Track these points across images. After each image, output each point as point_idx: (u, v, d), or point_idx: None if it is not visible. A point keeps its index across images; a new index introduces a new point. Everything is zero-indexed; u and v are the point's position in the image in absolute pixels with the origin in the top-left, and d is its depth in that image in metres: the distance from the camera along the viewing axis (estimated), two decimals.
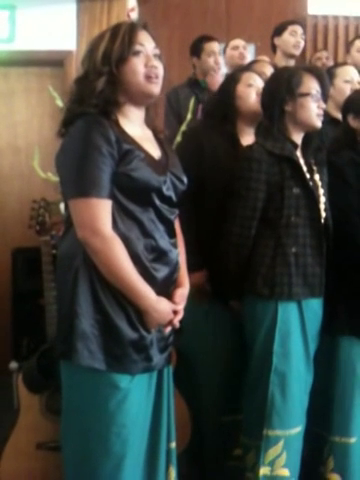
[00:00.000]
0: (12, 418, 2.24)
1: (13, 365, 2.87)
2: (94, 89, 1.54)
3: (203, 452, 2.37)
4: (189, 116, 2.97)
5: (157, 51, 1.62)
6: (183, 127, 2.92)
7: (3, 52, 3.65)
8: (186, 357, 2.36)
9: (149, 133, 1.70)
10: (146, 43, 1.59)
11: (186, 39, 4.64)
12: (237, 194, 1.99)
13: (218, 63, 3.46)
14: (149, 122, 1.71)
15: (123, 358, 1.54)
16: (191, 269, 2.30)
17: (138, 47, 1.57)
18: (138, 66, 1.57)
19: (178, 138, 2.88)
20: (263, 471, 2.01)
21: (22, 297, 3.37)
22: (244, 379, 2.13)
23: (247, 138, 2.25)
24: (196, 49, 3.54)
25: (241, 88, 2.25)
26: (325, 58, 4.00)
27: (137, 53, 1.57)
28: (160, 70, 1.61)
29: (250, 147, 2.03)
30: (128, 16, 3.47)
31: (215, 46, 3.49)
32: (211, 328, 2.28)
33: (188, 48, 4.62)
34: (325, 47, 4.60)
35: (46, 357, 2.22)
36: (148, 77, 1.58)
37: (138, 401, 1.58)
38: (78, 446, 1.57)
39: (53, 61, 3.62)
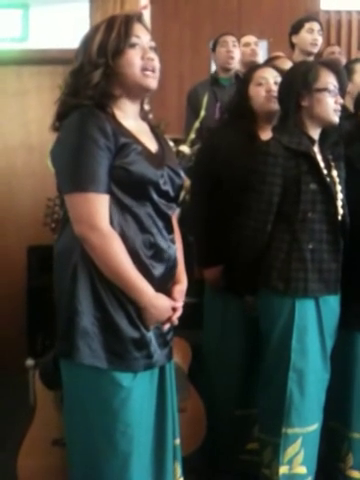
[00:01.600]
0: (28, 414, 2.25)
1: (30, 362, 2.89)
2: (90, 81, 1.51)
3: (216, 446, 2.38)
4: (203, 113, 2.97)
5: (153, 43, 1.59)
6: (197, 124, 2.92)
7: (16, 51, 3.66)
8: (201, 351, 2.37)
9: (145, 126, 1.68)
10: (142, 35, 1.56)
11: (197, 34, 4.64)
12: (252, 188, 1.98)
13: (230, 51, 3.46)
14: (144, 115, 1.69)
15: (124, 356, 1.52)
16: (205, 264, 2.34)
17: (134, 39, 1.54)
18: (134, 58, 1.54)
19: (192, 135, 2.89)
20: (282, 470, 2.00)
21: (37, 294, 3.39)
22: (259, 373, 2.12)
23: (266, 135, 2.25)
24: (213, 46, 3.57)
25: (252, 88, 2.27)
26: (338, 53, 3.97)
27: (133, 45, 1.54)
28: (156, 62, 1.58)
29: (267, 142, 2.02)
30: (139, 12, 3.46)
31: (228, 38, 3.50)
32: (226, 322, 2.29)
33: (199, 43, 4.62)
34: (338, 43, 4.56)
35: None
36: (144, 69, 1.55)
37: (141, 399, 1.57)
38: (84, 445, 1.56)
39: (66, 59, 3.56)
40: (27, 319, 3.49)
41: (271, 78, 2.27)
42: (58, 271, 1.57)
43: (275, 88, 2.22)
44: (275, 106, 2.20)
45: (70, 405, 1.60)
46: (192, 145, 2.90)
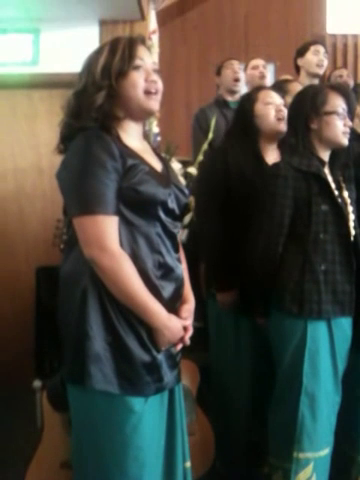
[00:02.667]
0: (36, 436, 2.24)
1: (37, 383, 2.88)
2: (93, 103, 1.52)
3: (231, 471, 2.35)
4: (210, 135, 3.00)
5: (156, 66, 1.60)
6: (205, 146, 2.95)
7: (27, 75, 3.71)
8: (213, 375, 2.35)
9: (148, 146, 1.69)
10: (145, 57, 1.57)
11: (205, 60, 4.71)
12: (263, 210, 1.99)
13: (236, 73, 3.50)
14: (145, 136, 1.70)
15: (136, 380, 1.51)
16: (222, 288, 2.29)
17: (138, 61, 1.55)
18: (138, 80, 1.55)
19: (200, 157, 2.91)
20: None
21: (46, 315, 3.38)
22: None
23: (270, 155, 2.26)
24: (218, 70, 3.62)
25: (259, 107, 2.27)
26: (346, 76, 4.00)
27: (137, 67, 1.55)
28: (160, 85, 1.59)
29: (277, 164, 2.03)
30: (149, 38, 3.52)
31: (233, 61, 3.56)
32: (238, 346, 2.27)
33: (207, 68, 4.68)
34: (345, 66, 4.61)
35: None
36: (148, 92, 1.56)
37: (152, 422, 1.55)
38: (93, 470, 1.54)
39: (76, 83, 3.68)
40: (35, 340, 3.48)
41: (278, 99, 2.29)
42: (65, 294, 1.55)
43: (283, 109, 2.24)
44: (284, 127, 2.22)
45: (79, 430, 1.58)
46: (200, 167, 2.92)
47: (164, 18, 4.52)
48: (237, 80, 3.53)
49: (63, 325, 1.55)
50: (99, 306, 1.48)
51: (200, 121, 3.46)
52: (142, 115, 1.62)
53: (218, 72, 3.62)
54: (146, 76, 1.56)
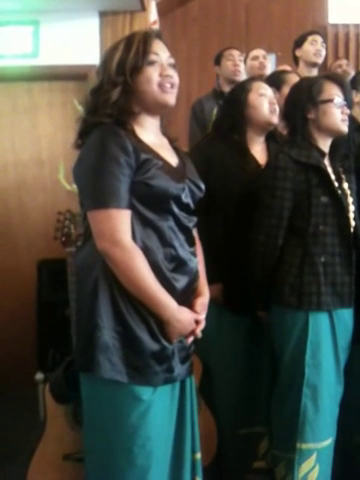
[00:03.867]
0: (38, 429, 2.24)
1: (39, 376, 2.89)
2: (109, 99, 1.54)
3: (222, 465, 2.35)
4: (210, 127, 2.98)
5: (172, 60, 1.61)
6: None
7: (27, 67, 3.71)
8: (207, 369, 2.35)
9: (165, 141, 1.69)
10: (161, 52, 1.58)
11: (205, 51, 4.69)
12: (262, 203, 1.98)
13: (237, 65, 3.48)
14: (163, 130, 1.70)
15: (145, 370, 1.52)
16: (208, 282, 2.29)
17: (153, 56, 1.56)
18: (152, 75, 1.56)
19: None
20: None
21: (47, 308, 3.39)
22: (261, 390, 2.12)
23: (256, 147, 2.25)
24: (217, 58, 3.59)
25: (253, 97, 2.25)
26: (345, 65, 3.99)
27: (152, 62, 1.56)
28: (175, 79, 1.60)
29: (275, 156, 2.02)
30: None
31: (234, 51, 3.54)
32: (222, 340, 2.26)
33: (207, 60, 4.65)
34: (346, 56, 4.59)
35: (73, 367, 2.22)
36: (162, 86, 1.57)
37: (161, 413, 1.57)
38: (102, 459, 1.56)
39: (76, 75, 3.66)
40: (37, 333, 3.49)
41: (270, 92, 2.28)
42: (79, 285, 1.60)
43: (275, 102, 2.24)
44: (276, 119, 2.22)
45: (89, 419, 1.60)
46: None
47: (164, 9, 4.49)
48: (238, 71, 3.51)
49: (76, 315, 1.60)
50: (109, 296, 1.51)
51: (196, 112, 3.44)
52: (158, 109, 1.62)
53: (217, 61, 3.60)
54: (161, 71, 1.57)
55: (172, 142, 1.72)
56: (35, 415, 2.83)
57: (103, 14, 3.69)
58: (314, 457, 1.96)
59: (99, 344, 1.49)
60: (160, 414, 1.56)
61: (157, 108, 1.61)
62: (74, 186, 2.80)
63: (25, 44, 3.74)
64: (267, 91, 2.27)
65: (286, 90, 2.30)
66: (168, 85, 1.58)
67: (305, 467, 1.97)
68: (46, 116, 3.83)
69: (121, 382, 1.50)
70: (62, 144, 3.70)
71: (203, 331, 2.02)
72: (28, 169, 3.87)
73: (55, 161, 2.83)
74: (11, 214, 3.87)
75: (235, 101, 2.28)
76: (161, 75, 1.57)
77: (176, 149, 1.72)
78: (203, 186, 1.71)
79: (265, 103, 2.23)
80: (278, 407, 2.06)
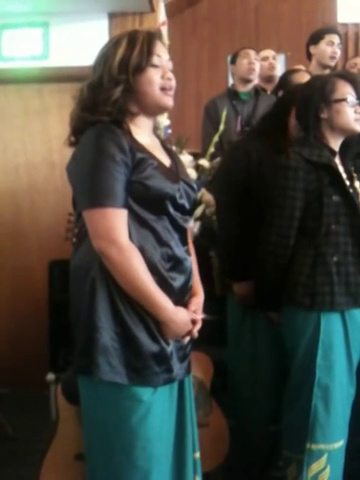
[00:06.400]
0: (50, 429, 2.25)
1: (50, 376, 2.91)
2: (109, 97, 1.52)
3: (248, 463, 2.35)
4: (222, 127, 2.98)
5: (170, 63, 1.60)
6: (216, 138, 2.94)
7: (37, 69, 3.72)
8: (223, 368, 2.35)
9: (157, 141, 1.69)
10: (162, 54, 1.58)
11: (215, 52, 4.70)
12: (273, 203, 1.98)
13: (252, 63, 3.48)
14: (154, 131, 1.70)
15: (144, 371, 1.51)
16: (236, 278, 2.28)
17: (156, 58, 1.55)
18: (155, 77, 1.55)
19: (211, 149, 2.90)
20: None
21: (59, 308, 3.39)
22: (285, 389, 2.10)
23: None
24: (233, 58, 3.60)
25: None
26: None
27: (155, 64, 1.55)
28: (174, 82, 1.60)
29: (286, 156, 2.01)
30: (159, 30, 3.51)
31: (250, 51, 3.54)
32: (257, 340, 2.26)
33: (217, 60, 4.65)
34: (356, 55, 4.57)
35: None
36: (163, 89, 1.57)
37: (161, 413, 1.56)
38: (103, 461, 1.55)
39: (86, 76, 3.67)
40: (49, 334, 3.50)
41: None
42: (75, 285, 1.57)
43: None
44: None
45: (89, 421, 1.59)
46: (211, 159, 2.91)
47: (174, 10, 4.50)
48: (253, 70, 3.50)
49: (74, 317, 1.57)
50: (107, 297, 1.50)
51: (210, 112, 3.45)
52: (156, 111, 1.63)
53: (233, 61, 3.60)
54: (162, 73, 1.57)
55: (163, 143, 1.72)
56: (47, 415, 2.85)
57: (112, 15, 3.70)
58: (325, 458, 1.95)
59: (98, 346, 1.48)
60: (160, 415, 1.56)
61: (156, 110, 1.61)
62: None
63: (35, 46, 3.75)
64: None
65: None
66: (168, 88, 1.58)
67: (315, 467, 1.95)
68: (57, 117, 3.84)
69: (121, 384, 1.49)
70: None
71: (224, 329, 2.02)
72: (39, 170, 3.89)
73: (65, 162, 2.79)
74: (23, 215, 3.88)
75: (283, 107, 2.27)
76: (163, 78, 1.57)
77: (167, 150, 1.71)
78: (196, 187, 1.70)
79: None
80: (289, 408, 2.05)
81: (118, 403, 1.51)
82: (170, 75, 1.58)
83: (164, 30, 3.55)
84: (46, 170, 3.87)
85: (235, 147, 2.45)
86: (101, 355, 1.48)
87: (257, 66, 3.53)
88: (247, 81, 3.52)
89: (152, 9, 3.62)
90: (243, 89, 3.53)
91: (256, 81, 3.60)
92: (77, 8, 3.58)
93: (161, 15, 3.70)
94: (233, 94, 3.54)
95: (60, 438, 2.20)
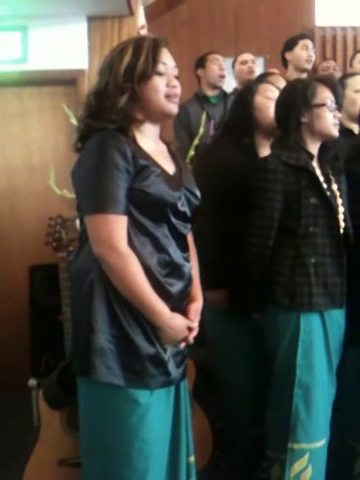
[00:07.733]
0: (33, 435, 2.24)
1: (32, 382, 2.88)
2: (115, 105, 1.53)
3: (232, 465, 2.35)
4: (201, 130, 3.00)
5: (176, 71, 1.62)
6: (196, 141, 2.95)
7: (16, 72, 3.69)
8: (211, 370, 2.35)
9: (163, 148, 1.70)
10: (168, 62, 1.59)
11: (195, 55, 4.69)
12: (253, 205, 1.99)
13: (222, 68, 3.51)
14: (162, 136, 1.71)
15: (141, 373, 1.53)
16: (218, 286, 2.22)
17: (161, 66, 1.56)
18: (160, 85, 1.56)
19: (191, 152, 2.91)
20: None
21: (40, 313, 3.38)
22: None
23: (264, 151, 2.23)
24: (200, 61, 3.64)
25: (259, 99, 2.22)
26: (332, 68, 4.02)
27: (160, 72, 1.56)
28: (179, 90, 1.61)
29: (265, 159, 2.03)
30: (138, 34, 3.51)
31: (219, 57, 3.59)
32: (237, 343, 2.25)
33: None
34: (334, 58, 4.63)
35: (66, 373, 2.22)
36: (168, 97, 1.58)
37: (158, 416, 1.57)
38: (100, 463, 1.56)
39: (66, 80, 3.66)
40: (30, 338, 3.48)
41: (277, 94, 2.22)
42: (74, 289, 1.61)
43: None
44: None
45: (86, 423, 1.60)
46: (191, 162, 2.92)
47: (153, 13, 4.51)
48: (222, 77, 3.55)
49: (72, 318, 1.61)
50: (105, 300, 1.52)
51: (180, 117, 3.45)
52: (161, 118, 1.63)
53: (201, 64, 3.62)
54: (168, 81, 1.58)
55: (169, 146, 1.72)
56: (29, 420, 2.83)
57: (91, 19, 3.69)
58: (307, 457, 1.96)
59: (95, 348, 1.50)
60: (157, 417, 1.57)
61: (161, 117, 1.62)
62: (65, 191, 2.84)
63: (14, 50, 3.72)
64: (274, 93, 2.22)
65: None
66: (174, 95, 1.59)
67: (297, 467, 1.97)
68: (36, 121, 3.82)
69: (118, 386, 1.51)
70: (53, 149, 3.70)
71: (210, 331, 2.01)
72: (19, 174, 3.85)
73: (46, 166, 2.80)
74: (3, 220, 3.85)
75: (243, 103, 2.25)
76: (168, 85, 1.58)
77: (173, 155, 1.71)
78: (199, 194, 1.71)
79: (271, 105, 2.17)
80: (272, 408, 2.06)
81: (116, 405, 1.53)
82: (175, 83, 1.59)
83: (143, 33, 3.56)
84: (26, 174, 3.84)
85: (208, 152, 2.42)
86: (98, 357, 1.50)
87: (226, 71, 3.59)
88: (216, 87, 3.57)
89: (131, 12, 3.62)
90: (212, 93, 3.56)
91: (225, 86, 3.64)
92: (56, 11, 3.56)
93: (140, 18, 3.70)
94: (203, 98, 3.57)
95: (43, 444, 2.20)
